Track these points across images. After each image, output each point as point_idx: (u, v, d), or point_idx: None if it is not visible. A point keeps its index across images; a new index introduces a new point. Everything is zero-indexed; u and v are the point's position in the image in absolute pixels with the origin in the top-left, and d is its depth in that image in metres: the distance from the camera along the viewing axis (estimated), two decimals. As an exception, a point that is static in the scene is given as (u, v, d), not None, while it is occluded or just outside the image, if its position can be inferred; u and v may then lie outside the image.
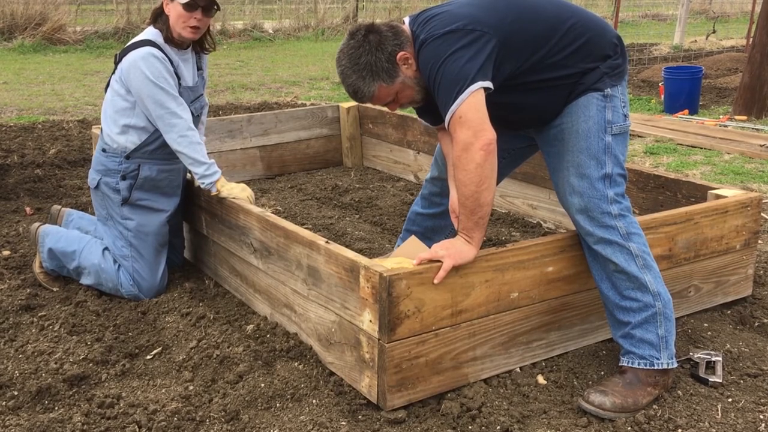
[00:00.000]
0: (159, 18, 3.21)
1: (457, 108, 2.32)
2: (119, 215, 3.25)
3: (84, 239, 3.33)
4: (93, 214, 3.61)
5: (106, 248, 3.30)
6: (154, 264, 3.28)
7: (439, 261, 2.35)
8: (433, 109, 2.60)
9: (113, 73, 3.24)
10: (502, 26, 2.43)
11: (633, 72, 10.33)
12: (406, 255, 2.53)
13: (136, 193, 3.25)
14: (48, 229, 3.38)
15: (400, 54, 2.44)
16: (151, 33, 3.20)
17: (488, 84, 2.36)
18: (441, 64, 2.36)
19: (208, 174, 3.15)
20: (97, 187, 3.27)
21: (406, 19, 2.56)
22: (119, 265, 3.25)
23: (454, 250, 2.36)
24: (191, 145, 3.12)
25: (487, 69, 2.37)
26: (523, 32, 2.46)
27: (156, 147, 3.23)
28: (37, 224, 3.46)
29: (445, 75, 2.35)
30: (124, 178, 3.21)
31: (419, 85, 2.51)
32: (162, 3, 3.22)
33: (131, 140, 3.20)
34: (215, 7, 3.18)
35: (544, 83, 2.52)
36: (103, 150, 3.24)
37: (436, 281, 2.33)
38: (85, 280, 3.29)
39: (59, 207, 3.64)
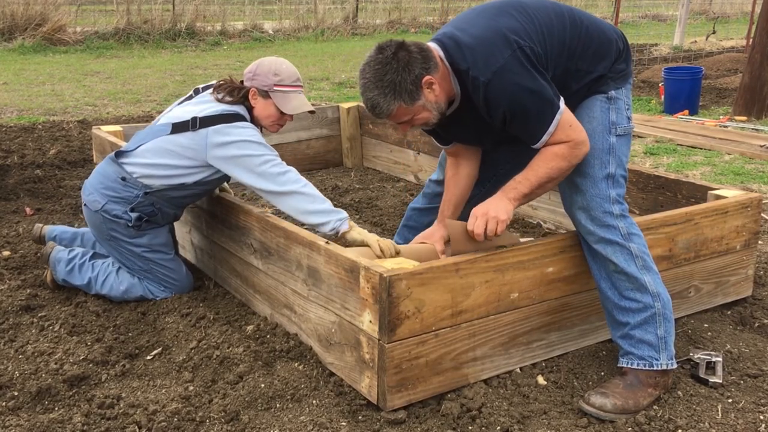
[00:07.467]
0: (241, 98, 3.11)
1: (561, 118, 2.42)
2: (126, 236, 3.15)
3: (95, 268, 3.24)
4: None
5: (118, 268, 3.23)
6: (174, 263, 3.27)
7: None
8: (443, 129, 2.69)
9: (180, 127, 3.04)
10: (539, 34, 2.45)
11: (633, 72, 10.33)
12: (460, 235, 2.53)
13: (144, 223, 3.17)
14: (59, 255, 3.28)
15: (426, 78, 2.40)
16: (239, 108, 3.09)
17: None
18: (520, 96, 2.37)
19: (341, 218, 2.90)
20: (99, 210, 3.11)
21: (433, 44, 2.50)
22: (140, 278, 3.21)
23: (492, 205, 2.46)
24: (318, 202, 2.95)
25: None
26: (553, 40, 2.48)
27: (176, 195, 3.15)
28: (50, 245, 3.36)
29: (532, 103, 2.38)
30: (133, 210, 3.10)
31: (438, 110, 2.50)
32: (248, 90, 3.10)
33: (160, 183, 3.09)
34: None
35: (570, 95, 2.54)
36: (123, 179, 3.08)
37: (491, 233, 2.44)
38: (111, 298, 3.24)
39: (41, 225, 3.58)
